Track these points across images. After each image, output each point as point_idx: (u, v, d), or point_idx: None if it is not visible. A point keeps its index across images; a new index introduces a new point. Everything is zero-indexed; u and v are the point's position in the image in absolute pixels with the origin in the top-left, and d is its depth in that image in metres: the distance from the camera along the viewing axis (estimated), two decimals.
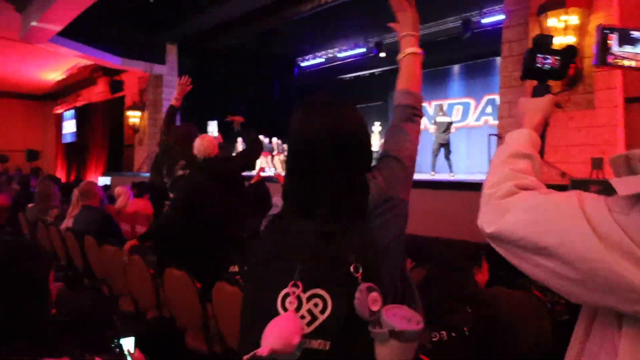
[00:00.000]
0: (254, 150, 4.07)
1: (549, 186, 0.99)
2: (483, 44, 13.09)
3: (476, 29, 12.85)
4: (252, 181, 4.17)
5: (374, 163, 1.36)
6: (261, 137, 15.90)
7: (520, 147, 1.09)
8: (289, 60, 17.90)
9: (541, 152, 1.20)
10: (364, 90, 18.29)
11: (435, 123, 11.59)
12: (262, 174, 4.21)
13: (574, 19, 6.24)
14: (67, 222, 4.86)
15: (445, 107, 13.34)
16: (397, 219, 1.23)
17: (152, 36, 13.42)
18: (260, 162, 15.18)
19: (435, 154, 11.64)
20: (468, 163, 14.39)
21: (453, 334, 1.72)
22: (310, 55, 17.30)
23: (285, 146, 15.78)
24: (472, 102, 15.37)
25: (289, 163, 1.32)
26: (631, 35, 1.50)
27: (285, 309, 1.10)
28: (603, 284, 0.80)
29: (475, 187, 6.00)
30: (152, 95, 14.24)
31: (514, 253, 0.92)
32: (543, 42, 1.41)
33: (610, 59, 1.54)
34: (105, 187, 10.96)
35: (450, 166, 11.53)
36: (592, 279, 0.81)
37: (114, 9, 10.56)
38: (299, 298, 1.11)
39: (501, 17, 10.25)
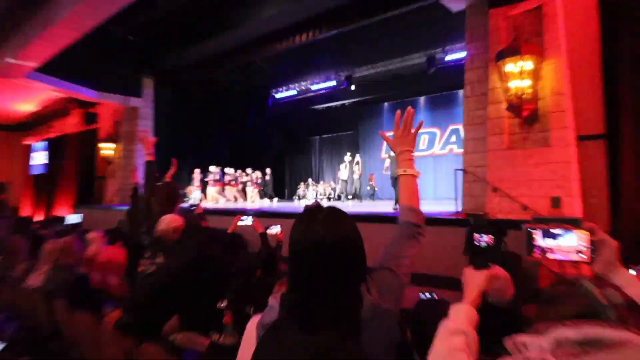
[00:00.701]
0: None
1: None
2: (447, 78, 13.70)
3: (440, 64, 13.46)
4: (230, 230, 4.08)
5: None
6: (212, 168, 15.61)
7: (458, 324, 1.21)
8: (264, 92, 18.21)
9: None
10: (335, 120, 18.81)
11: (390, 157, 12.17)
12: (239, 223, 4.17)
13: (528, 64, 6.73)
14: (35, 279, 4.16)
15: None
16: (387, 330, 1.24)
17: (129, 70, 13.49)
18: (211, 192, 15.08)
19: (395, 186, 12.09)
20: (435, 190, 14.85)
21: None
22: (284, 87, 17.65)
23: (256, 175, 15.86)
24: (437, 131, 15.94)
25: (290, 274, 1.30)
26: (551, 231, 1.67)
27: None
28: None
29: (446, 222, 6.28)
30: (127, 126, 14.20)
31: None
32: (480, 223, 1.64)
33: (537, 252, 1.71)
34: (75, 226, 10.44)
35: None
36: None
37: (91, 44, 10.60)
38: None
39: (463, 54, 10.87)
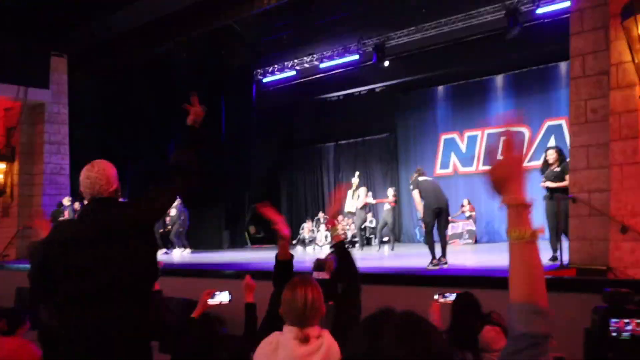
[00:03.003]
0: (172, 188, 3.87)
1: None
2: (539, 45, 13.65)
3: (527, 22, 13.35)
4: (194, 314, 4.19)
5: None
6: (66, 200, 15.27)
7: None
8: (244, 74, 18.24)
9: None
10: (358, 117, 18.80)
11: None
12: (211, 301, 4.25)
13: None
14: None
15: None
16: None
17: (28, 44, 13.53)
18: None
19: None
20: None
21: None
22: (276, 66, 17.66)
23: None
24: (526, 130, 15.74)
25: None
26: None
27: None
28: None
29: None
30: (27, 135, 14.25)
31: None
32: (620, 299, 1.53)
33: None
34: None
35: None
36: None
37: None
38: None
39: (566, 4, 10.69)
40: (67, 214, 13.75)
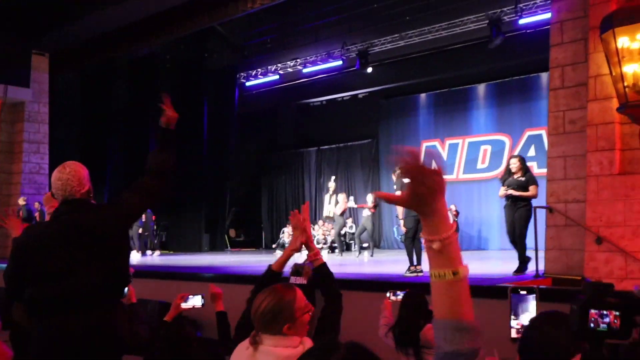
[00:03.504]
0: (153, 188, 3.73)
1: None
2: (520, 54, 13.72)
3: (510, 32, 13.44)
4: (167, 317, 4.19)
5: None
6: (21, 200, 15.11)
7: None
8: (226, 78, 18.18)
9: None
10: (340, 122, 18.78)
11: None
12: (184, 305, 4.24)
13: None
14: None
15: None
16: None
17: (9, 42, 13.40)
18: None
19: None
20: (500, 236, 14.66)
21: None
22: (259, 70, 17.62)
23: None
24: (506, 140, 15.84)
25: None
26: None
27: None
28: None
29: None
30: (6, 134, 14.09)
31: None
32: (597, 292, 1.53)
33: None
34: None
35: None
36: None
37: None
38: None
39: (547, 16, 10.76)
40: (22, 214, 13.64)
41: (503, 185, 8.03)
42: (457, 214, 15.40)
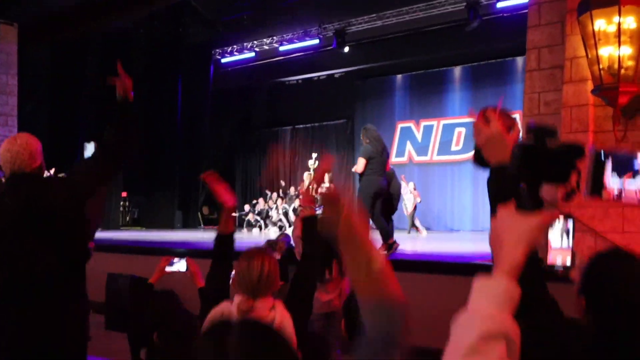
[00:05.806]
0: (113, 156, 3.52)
1: None
2: (497, 38, 13.77)
3: (487, 15, 13.49)
4: (152, 280, 4.21)
5: None
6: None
7: (494, 325, 1.14)
8: (201, 54, 18.11)
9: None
10: (317, 101, 18.73)
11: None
12: (168, 268, 4.25)
13: (631, 21, 6.64)
14: None
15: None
16: None
17: None
18: None
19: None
20: (474, 217, 14.78)
21: None
22: (235, 47, 17.56)
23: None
24: None
25: None
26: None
27: None
28: None
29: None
30: None
31: None
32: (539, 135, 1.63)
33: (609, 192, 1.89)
34: None
35: None
36: None
37: None
38: None
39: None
40: None
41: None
42: (417, 194, 15.28)
